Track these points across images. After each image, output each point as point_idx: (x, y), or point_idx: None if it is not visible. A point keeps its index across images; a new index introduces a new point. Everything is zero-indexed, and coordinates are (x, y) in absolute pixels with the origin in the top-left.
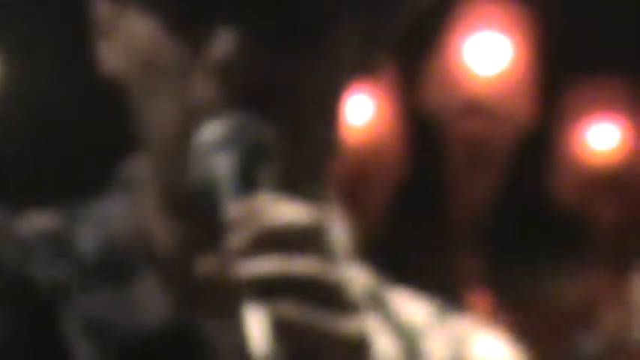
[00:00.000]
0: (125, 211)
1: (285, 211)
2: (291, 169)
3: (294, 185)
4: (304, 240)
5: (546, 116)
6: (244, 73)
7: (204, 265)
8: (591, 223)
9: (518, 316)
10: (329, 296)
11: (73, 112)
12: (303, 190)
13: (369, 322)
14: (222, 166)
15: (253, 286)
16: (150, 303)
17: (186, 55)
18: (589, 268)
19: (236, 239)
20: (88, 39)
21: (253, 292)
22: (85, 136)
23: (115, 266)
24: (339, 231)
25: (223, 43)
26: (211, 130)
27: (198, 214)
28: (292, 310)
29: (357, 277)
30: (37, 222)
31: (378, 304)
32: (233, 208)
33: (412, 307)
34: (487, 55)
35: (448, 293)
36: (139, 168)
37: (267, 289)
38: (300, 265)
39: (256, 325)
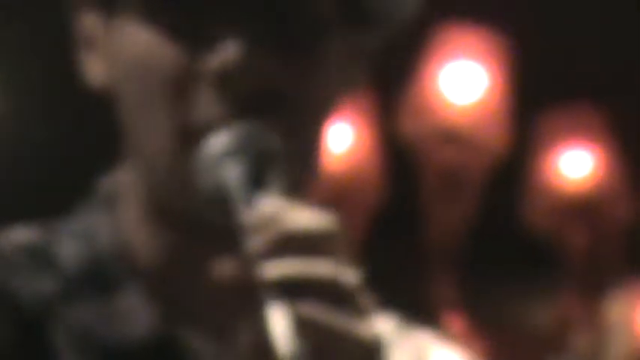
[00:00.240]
0: (107, 224)
1: (302, 216)
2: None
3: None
4: (321, 244)
5: (520, 144)
6: (247, 83)
7: (222, 269)
8: (564, 249)
9: (492, 339)
10: (345, 299)
11: (53, 126)
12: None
13: (382, 327)
14: (233, 174)
15: (274, 287)
16: (133, 315)
17: (186, 65)
18: (561, 292)
19: (256, 243)
20: (72, 52)
21: (274, 293)
22: (65, 149)
23: (99, 279)
24: None
25: (226, 53)
26: (219, 140)
27: (187, 224)
28: (311, 310)
29: None
30: (19, 236)
31: None
32: (250, 214)
33: (378, 321)
34: (463, 84)
35: (424, 316)
36: (122, 181)
37: (288, 290)
38: (318, 267)
39: (278, 324)
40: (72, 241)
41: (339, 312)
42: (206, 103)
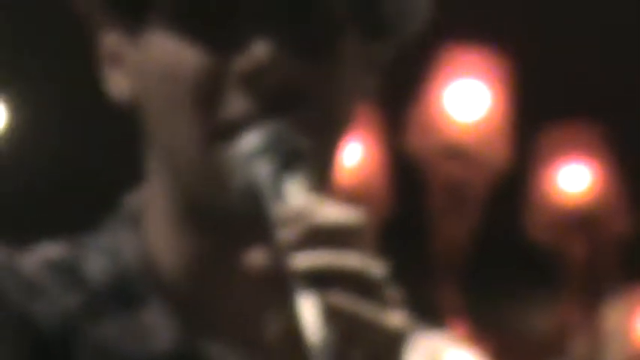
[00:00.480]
0: (132, 240)
1: (331, 210)
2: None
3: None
4: (349, 237)
5: (521, 159)
6: (275, 81)
7: (252, 260)
8: (563, 259)
9: (494, 344)
10: (372, 290)
11: (78, 145)
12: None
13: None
14: (263, 172)
15: (303, 277)
16: (157, 330)
17: (215, 66)
18: (561, 301)
19: (287, 235)
20: (95, 71)
21: (303, 283)
22: (89, 168)
23: (123, 295)
24: None
25: (255, 53)
26: (249, 140)
27: (218, 223)
28: (340, 299)
29: None
30: (47, 252)
31: None
32: (282, 208)
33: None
34: (466, 102)
35: (429, 322)
36: (146, 197)
37: (317, 281)
38: (346, 259)
39: (308, 313)
40: (98, 256)
41: (366, 302)
42: (235, 102)
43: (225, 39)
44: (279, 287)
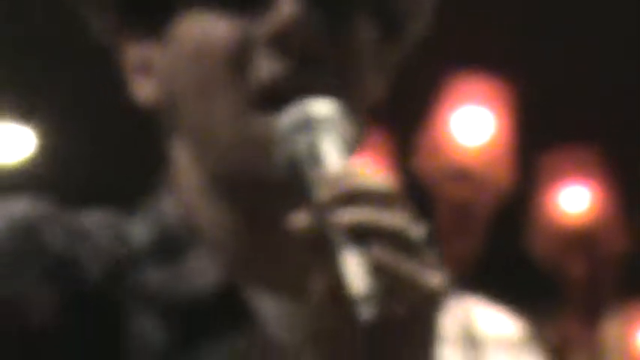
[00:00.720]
0: (172, 205)
1: (370, 174)
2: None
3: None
4: (388, 199)
5: (524, 181)
6: (301, 42)
7: (296, 220)
8: (564, 276)
9: None
10: (412, 249)
11: (105, 170)
12: None
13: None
14: (304, 142)
15: (346, 232)
16: (201, 272)
17: (244, 33)
18: (562, 316)
19: (327, 196)
20: (120, 83)
21: (346, 238)
22: (115, 193)
23: (166, 248)
24: None
25: (282, 13)
26: (290, 115)
27: (257, 189)
28: (383, 254)
29: None
30: (95, 215)
31: None
32: (321, 172)
33: None
34: (472, 127)
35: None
36: (181, 166)
37: (359, 236)
38: (388, 217)
39: (352, 268)
40: (141, 220)
41: (407, 260)
42: (265, 65)
43: (252, 4)
44: (322, 246)
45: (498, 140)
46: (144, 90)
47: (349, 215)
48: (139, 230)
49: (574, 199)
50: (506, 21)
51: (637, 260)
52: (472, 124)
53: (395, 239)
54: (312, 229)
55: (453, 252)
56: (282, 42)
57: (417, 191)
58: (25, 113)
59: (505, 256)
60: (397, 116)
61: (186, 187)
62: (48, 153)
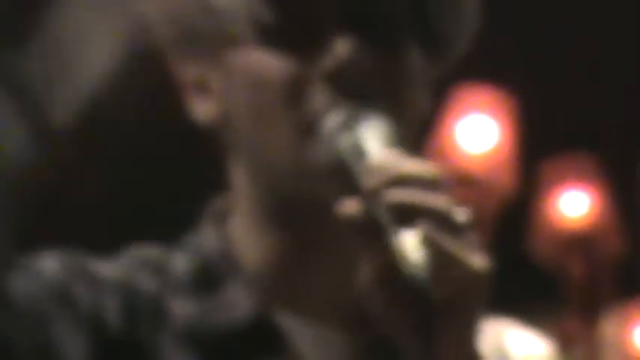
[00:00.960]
0: (214, 236)
1: (414, 162)
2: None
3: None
4: (435, 184)
5: (526, 187)
6: (354, 76)
7: (346, 207)
8: (564, 277)
9: None
10: (458, 231)
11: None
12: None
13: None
14: (348, 138)
15: (394, 212)
16: (238, 302)
17: (300, 69)
18: (562, 315)
19: (374, 183)
20: (177, 101)
21: (394, 218)
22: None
23: (203, 279)
24: None
25: (337, 53)
26: (330, 120)
27: (306, 213)
28: (432, 232)
29: None
30: (141, 251)
31: None
32: (366, 162)
33: None
34: (476, 135)
35: None
36: (231, 197)
37: (409, 215)
38: (435, 199)
39: (404, 244)
40: (182, 253)
41: (453, 240)
42: (319, 98)
43: (309, 44)
44: (372, 229)
45: (501, 148)
46: (202, 108)
47: (398, 196)
48: (178, 262)
49: (573, 204)
50: (509, 34)
51: (633, 261)
52: (476, 132)
53: (441, 220)
54: (362, 214)
55: None
56: (335, 78)
57: None
58: None
59: (508, 258)
60: None
61: (239, 209)
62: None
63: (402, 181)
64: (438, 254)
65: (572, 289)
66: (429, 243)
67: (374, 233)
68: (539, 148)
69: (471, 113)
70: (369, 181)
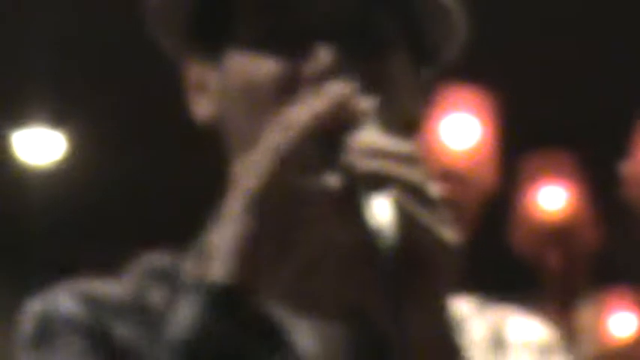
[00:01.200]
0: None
1: (392, 140)
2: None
3: None
4: (411, 160)
5: (506, 182)
6: (336, 80)
7: (329, 179)
8: (542, 267)
9: None
10: (430, 204)
11: (133, 175)
12: None
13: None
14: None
15: (369, 180)
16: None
17: (289, 74)
18: (541, 303)
19: (357, 154)
20: (178, 99)
21: (369, 186)
22: (143, 198)
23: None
24: None
25: (321, 60)
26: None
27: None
28: (404, 200)
29: None
30: (156, 259)
31: None
32: (354, 142)
33: (457, 302)
34: (459, 132)
35: None
36: (210, 235)
37: (383, 182)
38: (409, 171)
39: (378, 209)
40: (190, 255)
41: (425, 212)
42: (305, 98)
43: (296, 51)
44: (350, 197)
45: (483, 145)
46: (201, 107)
47: (373, 165)
48: (185, 269)
49: (551, 198)
50: (488, 35)
51: (607, 252)
52: (459, 130)
53: (414, 191)
54: (342, 190)
55: None
56: (319, 82)
57: None
58: (56, 118)
59: (489, 249)
60: None
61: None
62: (76, 156)
63: (381, 152)
64: (406, 217)
65: (550, 279)
66: (398, 206)
67: (351, 201)
68: (519, 145)
69: (454, 112)
70: (349, 156)
